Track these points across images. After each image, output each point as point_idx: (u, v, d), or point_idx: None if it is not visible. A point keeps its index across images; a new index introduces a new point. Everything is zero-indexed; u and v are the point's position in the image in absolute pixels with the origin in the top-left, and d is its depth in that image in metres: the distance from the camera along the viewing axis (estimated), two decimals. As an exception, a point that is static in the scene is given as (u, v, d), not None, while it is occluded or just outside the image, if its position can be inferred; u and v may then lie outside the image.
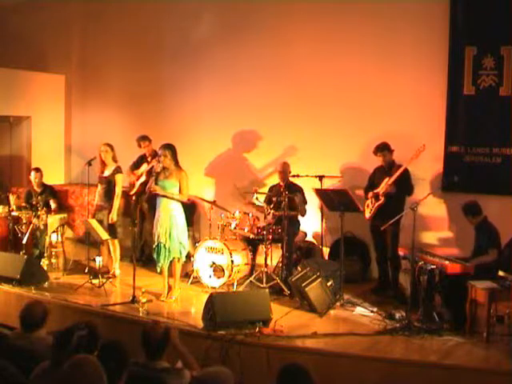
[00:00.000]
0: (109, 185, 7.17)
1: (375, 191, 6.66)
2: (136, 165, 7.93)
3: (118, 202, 7.15)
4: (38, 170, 8.00)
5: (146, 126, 8.57)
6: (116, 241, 7.24)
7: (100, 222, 7.05)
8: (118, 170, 7.22)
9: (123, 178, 7.35)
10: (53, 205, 7.82)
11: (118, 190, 7.16)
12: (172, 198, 6.29)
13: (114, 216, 7.08)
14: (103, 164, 7.25)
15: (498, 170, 6.85)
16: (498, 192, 6.79)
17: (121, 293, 6.69)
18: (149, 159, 7.82)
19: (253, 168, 8.42)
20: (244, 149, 8.48)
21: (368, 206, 6.73)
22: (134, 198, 7.78)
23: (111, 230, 7.10)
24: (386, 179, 6.56)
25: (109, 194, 7.16)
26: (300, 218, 7.25)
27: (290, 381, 3.08)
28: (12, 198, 7.73)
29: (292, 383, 3.07)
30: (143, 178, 7.71)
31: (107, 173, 7.21)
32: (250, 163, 8.45)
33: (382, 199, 6.57)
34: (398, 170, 6.47)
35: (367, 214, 6.72)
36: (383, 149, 6.70)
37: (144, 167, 7.79)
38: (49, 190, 8.01)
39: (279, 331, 5.46)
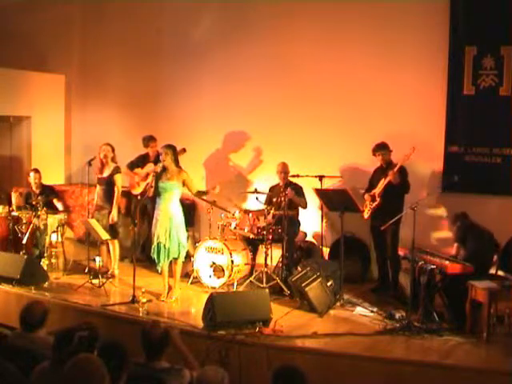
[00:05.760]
0: (108, 185, 7.13)
1: (371, 193, 6.67)
2: (136, 164, 7.75)
3: (118, 201, 7.14)
4: (36, 170, 7.97)
5: (145, 126, 8.56)
6: (116, 241, 7.23)
7: (97, 221, 7.03)
8: (117, 170, 7.18)
9: (122, 178, 7.32)
10: (58, 205, 7.81)
11: (118, 190, 7.15)
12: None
13: (114, 216, 7.07)
14: (102, 164, 7.20)
15: (498, 170, 6.85)
16: (498, 192, 6.80)
17: (121, 293, 6.67)
18: (152, 160, 7.77)
19: (253, 168, 8.42)
20: (244, 149, 8.48)
21: (366, 206, 6.73)
22: (138, 197, 7.68)
23: (112, 230, 7.09)
24: (382, 180, 6.57)
25: (108, 194, 7.12)
26: (300, 217, 7.27)
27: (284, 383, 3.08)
28: (14, 196, 7.71)
29: None
30: (150, 179, 7.65)
31: (106, 173, 7.17)
32: (249, 163, 8.46)
33: (378, 200, 6.57)
34: (392, 173, 6.43)
35: (365, 215, 6.73)
36: (382, 148, 6.70)
37: (149, 167, 7.71)
38: (48, 191, 7.98)
39: (279, 331, 5.45)
